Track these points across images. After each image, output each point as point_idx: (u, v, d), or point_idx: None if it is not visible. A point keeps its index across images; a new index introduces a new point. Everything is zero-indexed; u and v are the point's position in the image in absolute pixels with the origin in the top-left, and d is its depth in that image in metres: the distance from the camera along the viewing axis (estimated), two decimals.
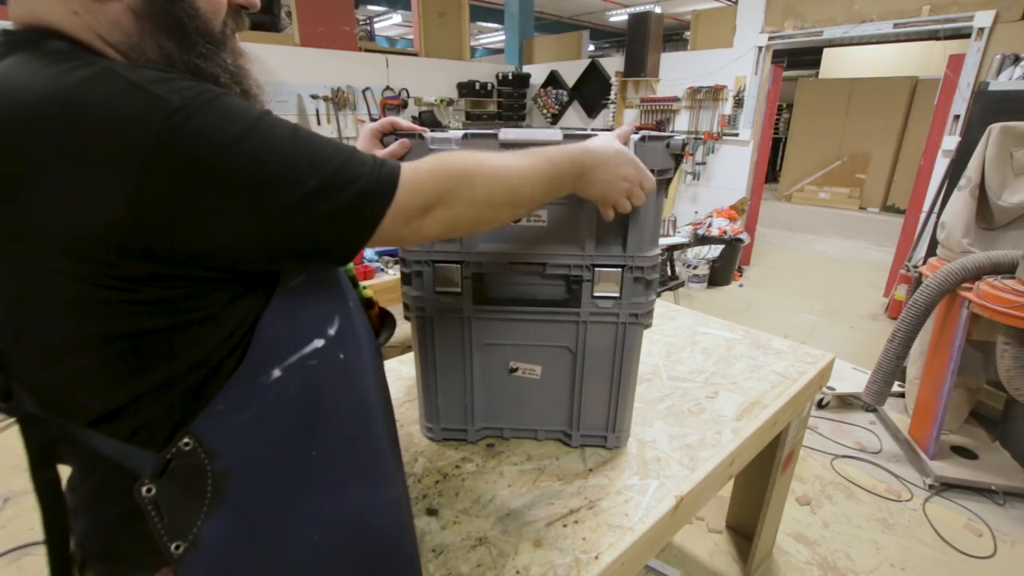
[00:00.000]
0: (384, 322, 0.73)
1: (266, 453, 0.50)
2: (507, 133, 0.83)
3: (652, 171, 0.84)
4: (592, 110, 6.25)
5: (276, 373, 0.50)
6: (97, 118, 0.39)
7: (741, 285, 4.75)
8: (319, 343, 0.53)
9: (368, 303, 0.69)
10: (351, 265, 0.62)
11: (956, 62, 3.71)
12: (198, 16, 0.50)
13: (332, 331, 0.54)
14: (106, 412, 0.46)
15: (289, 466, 0.52)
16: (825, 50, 8.74)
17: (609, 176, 0.73)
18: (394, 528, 0.63)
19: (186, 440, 0.46)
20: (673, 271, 4.31)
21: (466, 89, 6.22)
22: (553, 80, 6.52)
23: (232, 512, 0.49)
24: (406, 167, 0.52)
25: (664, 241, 3.96)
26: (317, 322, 0.54)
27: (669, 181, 0.89)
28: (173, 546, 0.47)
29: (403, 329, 0.99)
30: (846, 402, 2.73)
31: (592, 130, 0.84)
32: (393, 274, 2.48)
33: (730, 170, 5.14)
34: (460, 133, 0.84)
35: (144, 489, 0.46)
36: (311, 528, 0.54)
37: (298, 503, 0.53)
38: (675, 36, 11.07)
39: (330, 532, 0.55)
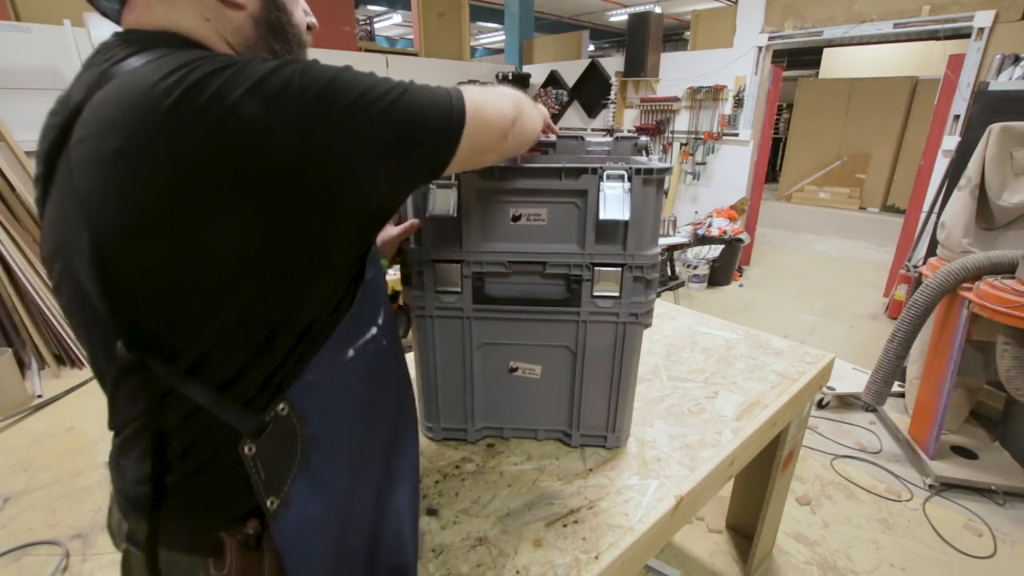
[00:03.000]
0: (401, 317, 0.82)
1: (338, 422, 0.58)
2: None
3: (652, 171, 0.85)
4: (592, 110, 6.23)
5: (350, 352, 0.58)
6: (272, 76, 0.47)
7: (741, 285, 4.75)
8: (374, 330, 0.61)
9: (393, 296, 0.74)
10: (385, 261, 0.71)
11: (956, 62, 3.71)
12: (295, 25, 0.63)
13: (380, 320, 0.63)
14: (208, 362, 0.50)
15: (352, 434, 0.60)
16: (825, 50, 8.74)
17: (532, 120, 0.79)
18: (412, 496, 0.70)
19: (282, 405, 0.52)
20: (673, 271, 4.31)
21: None
22: (553, 80, 6.50)
23: (313, 474, 0.55)
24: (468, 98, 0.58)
25: (664, 241, 3.96)
26: (373, 312, 0.62)
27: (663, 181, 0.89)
28: (269, 501, 0.53)
29: None
30: (846, 402, 2.73)
31: (592, 130, 0.84)
32: (394, 274, 2.47)
33: (730, 170, 5.13)
34: None
35: (247, 447, 0.51)
36: (366, 487, 0.63)
37: (358, 466, 0.61)
38: (675, 36, 11.07)
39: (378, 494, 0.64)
